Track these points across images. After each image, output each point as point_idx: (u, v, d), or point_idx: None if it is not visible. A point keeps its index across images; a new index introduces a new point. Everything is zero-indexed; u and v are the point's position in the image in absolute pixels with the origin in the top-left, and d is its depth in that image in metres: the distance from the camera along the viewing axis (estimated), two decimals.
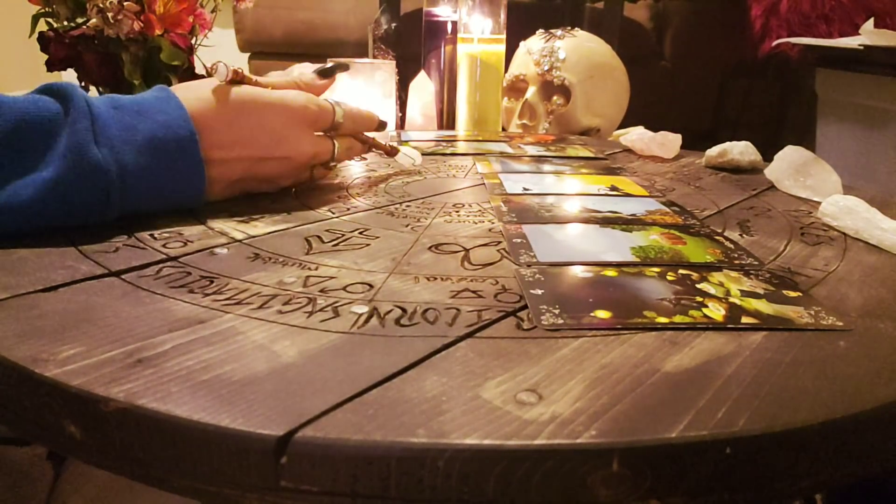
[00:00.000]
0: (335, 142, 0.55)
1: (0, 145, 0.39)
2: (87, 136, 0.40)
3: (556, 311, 0.33)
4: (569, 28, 1.01)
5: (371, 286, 0.36)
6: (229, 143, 0.47)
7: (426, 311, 0.33)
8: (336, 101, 0.55)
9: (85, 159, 0.40)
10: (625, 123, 1.06)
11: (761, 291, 0.37)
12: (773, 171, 0.65)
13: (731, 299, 0.35)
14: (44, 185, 0.39)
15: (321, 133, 0.54)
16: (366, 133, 0.60)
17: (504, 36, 0.91)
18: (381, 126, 0.60)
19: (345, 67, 0.57)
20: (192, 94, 0.47)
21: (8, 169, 0.39)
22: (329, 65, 0.57)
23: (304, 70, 0.58)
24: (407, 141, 0.81)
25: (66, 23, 0.92)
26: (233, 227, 0.45)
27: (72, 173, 0.40)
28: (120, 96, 0.45)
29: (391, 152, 0.64)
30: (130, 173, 0.42)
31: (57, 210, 0.41)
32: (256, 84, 0.50)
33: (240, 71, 0.49)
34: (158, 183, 0.44)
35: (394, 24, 1.10)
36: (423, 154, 0.74)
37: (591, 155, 0.76)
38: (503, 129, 1.00)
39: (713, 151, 0.73)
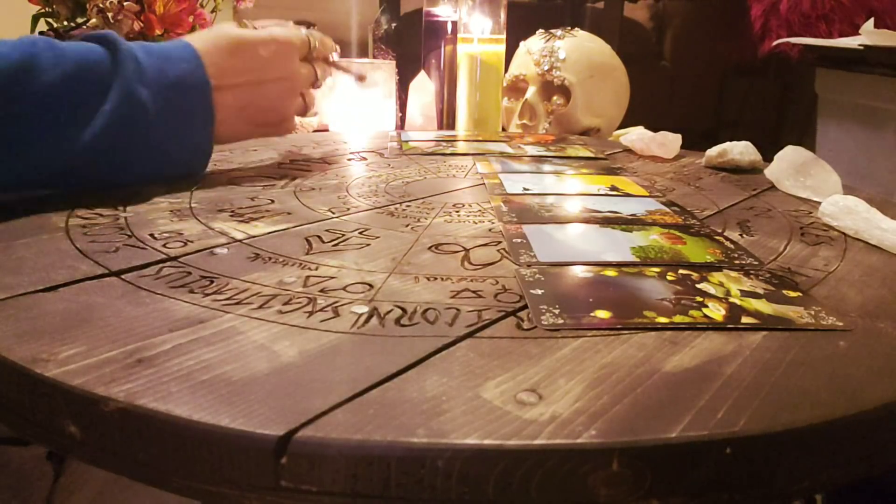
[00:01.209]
0: (314, 66, 0.64)
1: (64, 84, 0.46)
2: (135, 76, 0.48)
3: (556, 311, 0.33)
4: (569, 28, 1.01)
5: (371, 286, 0.36)
6: (232, 70, 0.56)
7: (426, 311, 0.33)
8: (309, 31, 0.64)
9: (134, 96, 0.48)
10: (625, 123, 1.06)
11: (761, 291, 0.37)
12: (773, 171, 0.65)
13: (731, 299, 0.35)
14: (102, 120, 0.47)
15: (303, 61, 0.63)
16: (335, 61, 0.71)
17: (504, 36, 0.91)
18: (336, 50, 0.70)
19: (310, 25, 0.70)
20: (202, 40, 0.56)
21: (73, 105, 0.46)
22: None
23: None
24: (406, 141, 0.81)
25: (66, 23, 0.92)
26: (233, 227, 0.45)
27: (122, 109, 0.47)
28: (149, 44, 0.53)
29: (360, 77, 0.79)
30: (160, 110, 0.50)
31: (108, 147, 0.48)
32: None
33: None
34: (177, 120, 0.52)
35: (394, 24, 1.10)
36: (423, 154, 0.74)
37: (591, 155, 0.76)
38: (503, 129, 1.00)
39: (713, 151, 0.73)
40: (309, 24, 0.69)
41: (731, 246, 0.45)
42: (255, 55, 0.57)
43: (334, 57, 0.69)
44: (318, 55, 0.65)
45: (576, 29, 1.02)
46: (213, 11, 0.99)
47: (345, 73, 0.75)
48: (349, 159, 0.70)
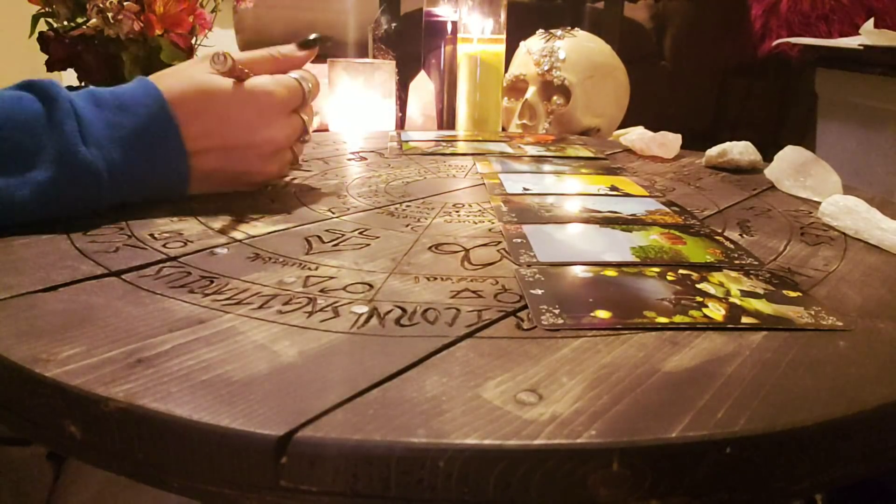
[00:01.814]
0: (303, 116, 0.55)
1: None
2: (75, 137, 0.42)
3: (556, 311, 0.33)
4: (569, 28, 1.01)
5: (371, 286, 0.36)
6: (200, 134, 0.48)
7: (426, 311, 0.33)
8: (300, 77, 0.54)
9: (77, 161, 0.42)
10: (625, 123, 1.06)
11: (761, 291, 0.37)
12: (773, 171, 0.65)
13: (731, 299, 0.35)
14: (38, 187, 0.41)
15: (293, 111, 0.54)
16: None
17: (504, 36, 0.91)
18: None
19: (326, 39, 0.58)
20: (168, 83, 0.47)
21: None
22: (312, 37, 0.56)
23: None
24: (406, 142, 0.81)
25: (66, 23, 0.92)
26: (233, 227, 0.45)
27: (64, 175, 0.41)
28: (99, 90, 0.45)
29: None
30: (118, 169, 0.44)
31: (51, 208, 0.43)
32: (240, 68, 0.50)
33: (233, 61, 0.49)
34: (145, 175, 0.46)
35: (394, 24, 1.10)
36: (423, 154, 0.74)
37: (591, 155, 0.76)
38: (503, 129, 1.00)
39: (713, 151, 0.73)
40: (324, 39, 0.57)
41: (731, 246, 0.45)
42: (226, 115, 0.49)
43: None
44: (311, 99, 0.56)
45: (576, 29, 1.02)
46: (213, 11, 0.99)
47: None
48: (349, 159, 0.70)
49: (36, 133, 0.41)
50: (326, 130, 0.89)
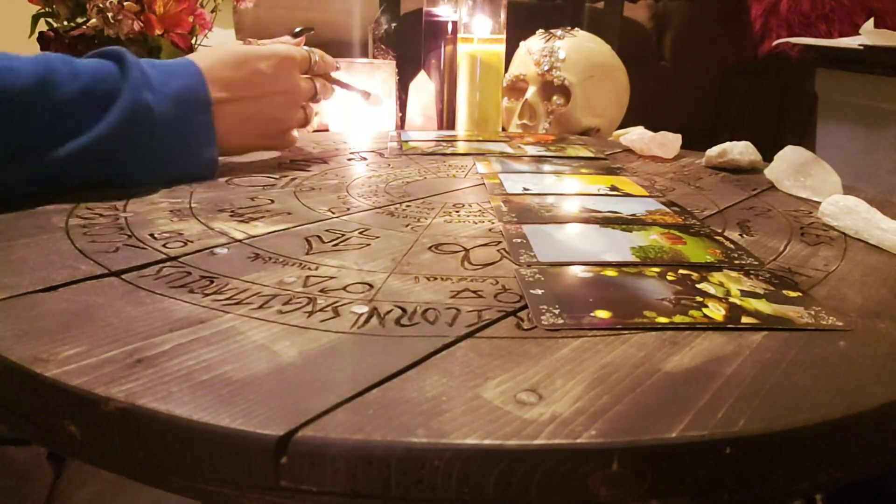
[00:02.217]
0: (315, 82, 0.67)
1: (80, 97, 0.49)
2: (140, 82, 0.51)
3: (556, 311, 0.33)
4: (569, 28, 1.01)
5: (371, 286, 0.36)
6: (235, 84, 0.58)
7: (426, 311, 0.33)
8: (310, 49, 0.67)
9: (140, 98, 0.51)
10: (625, 123, 1.06)
11: (761, 291, 0.37)
12: (773, 171, 0.65)
13: (731, 299, 0.35)
14: (108, 126, 0.49)
15: (303, 75, 0.66)
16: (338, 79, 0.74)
17: (504, 36, 0.91)
18: (338, 68, 0.73)
19: (309, 29, 0.72)
20: (204, 57, 0.58)
21: (86, 115, 0.49)
22: (298, 29, 0.71)
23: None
24: (406, 141, 0.81)
25: (66, 23, 0.92)
26: (233, 227, 0.45)
27: (128, 110, 0.50)
28: (154, 60, 0.56)
29: (365, 94, 0.79)
30: (165, 119, 0.53)
31: (112, 146, 0.50)
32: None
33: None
34: (182, 132, 0.55)
35: (394, 24, 1.10)
36: (423, 154, 0.74)
37: (591, 155, 0.76)
38: (503, 129, 1.00)
39: (713, 151, 0.73)
40: (308, 30, 0.71)
41: (731, 246, 0.45)
42: (257, 69, 0.60)
43: (338, 76, 0.73)
44: (319, 70, 0.67)
45: (576, 29, 1.02)
46: (213, 11, 0.99)
47: (346, 90, 0.76)
48: (349, 159, 0.70)
49: (113, 85, 0.50)
50: (326, 130, 0.89)
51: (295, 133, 0.68)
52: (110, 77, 0.51)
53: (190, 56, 0.58)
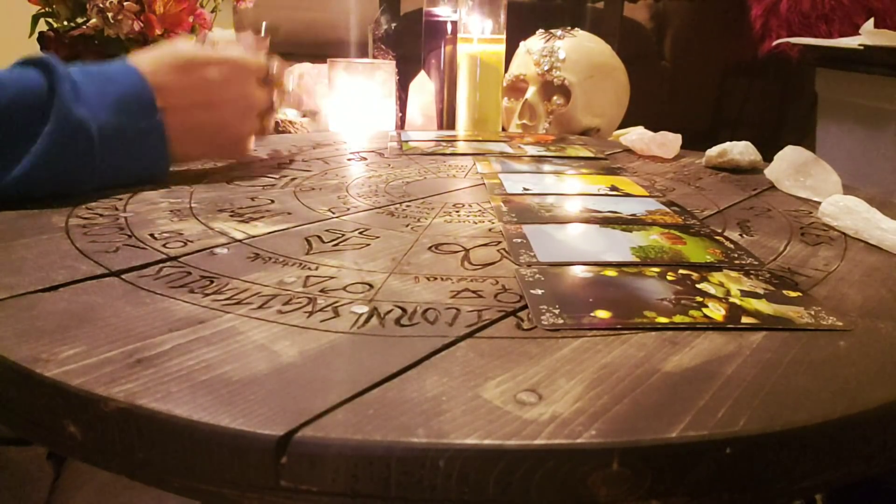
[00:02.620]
0: (272, 93, 0.64)
1: (3, 114, 0.45)
2: (70, 96, 0.47)
3: (556, 311, 0.33)
4: (569, 28, 1.01)
5: (371, 286, 0.36)
6: (182, 90, 0.54)
7: (426, 311, 0.33)
8: (269, 56, 0.64)
9: (71, 116, 0.46)
10: (625, 123, 1.06)
11: (761, 291, 0.37)
12: (773, 171, 0.65)
13: (731, 299, 0.35)
14: (41, 146, 0.45)
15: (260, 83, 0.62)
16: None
17: (504, 36, 0.91)
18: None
19: (274, 28, 0.74)
20: (146, 59, 0.54)
21: (12, 133, 0.45)
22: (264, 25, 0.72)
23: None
24: (406, 141, 0.81)
25: (66, 23, 0.92)
26: (233, 227, 0.45)
27: (61, 131, 0.46)
28: (89, 66, 0.51)
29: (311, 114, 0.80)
30: (105, 131, 0.49)
31: (49, 171, 0.47)
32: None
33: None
34: (128, 141, 0.51)
35: (394, 24, 1.10)
36: (423, 154, 0.74)
37: (591, 155, 0.76)
38: (503, 129, 1.00)
39: (713, 151, 0.73)
40: (273, 29, 0.72)
41: (731, 246, 0.45)
42: (205, 76, 0.56)
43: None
44: (276, 80, 0.65)
45: (576, 29, 1.02)
46: (213, 11, 0.99)
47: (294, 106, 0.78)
48: (349, 159, 0.70)
49: (39, 100, 0.46)
50: (326, 130, 0.89)
51: (251, 142, 0.64)
52: (36, 91, 0.46)
53: (130, 57, 0.53)
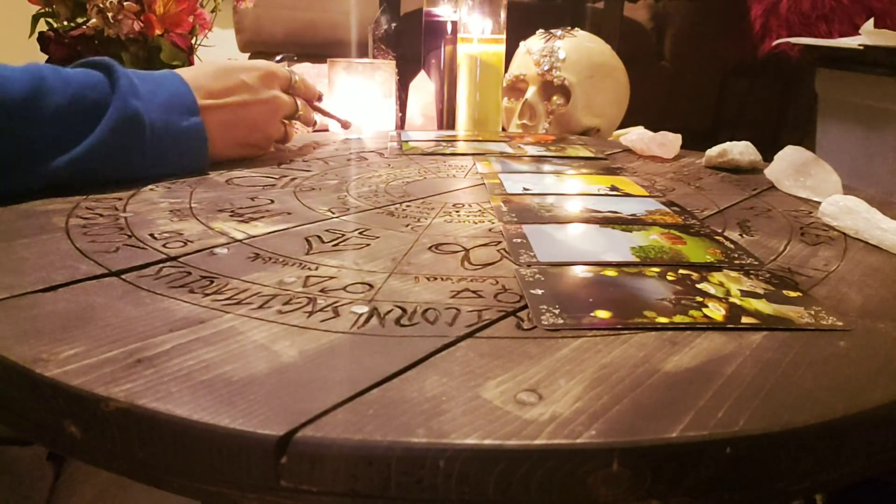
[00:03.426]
0: (297, 100, 0.70)
1: (71, 106, 0.50)
2: (129, 90, 0.52)
3: (556, 311, 0.33)
4: (569, 28, 1.01)
5: (371, 286, 0.36)
6: (218, 92, 0.61)
7: (426, 311, 0.33)
8: (290, 70, 0.70)
9: (129, 107, 0.52)
10: (625, 123, 1.06)
11: (761, 291, 0.37)
12: (773, 171, 0.65)
13: (731, 299, 0.35)
14: (100, 134, 0.50)
15: (285, 92, 0.69)
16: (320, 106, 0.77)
17: (504, 36, 0.91)
18: (320, 97, 0.76)
19: (291, 56, 0.81)
20: (188, 70, 0.62)
21: (78, 123, 0.50)
22: (279, 57, 0.79)
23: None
24: (406, 141, 0.81)
25: (66, 23, 0.92)
26: (233, 227, 0.45)
27: (118, 119, 0.51)
28: (140, 71, 0.57)
29: (345, 125, 0.82)
30: (155, 125, 0.54)
31: (104, 155, 0.51)
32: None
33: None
34: (173, 137, 0.56)
35: (394, 24, 1.10)
36: (423, 154, 0.74)
37: (591, 155, 0.76)
38: (503, 129, 1.00)
39: (713, 151, 0.73)
40: (290, 57, 0.79)
41: (731, 246, 0.45)
42: (239, 79, 0.63)
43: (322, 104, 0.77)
44: (299, 92, 0.70)
45: (576, 29, 1.02)
46: (213, 11, 0.99)
47: (329, 118, 0.80)
48: (349, 159, 0.70)
49: (102, 94, 0.52)
50: (326, 130, 0.89)
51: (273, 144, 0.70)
52: (99, 86, 0.52)
53: (178, 71, 0.60)
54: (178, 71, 0.60)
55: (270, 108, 0.65)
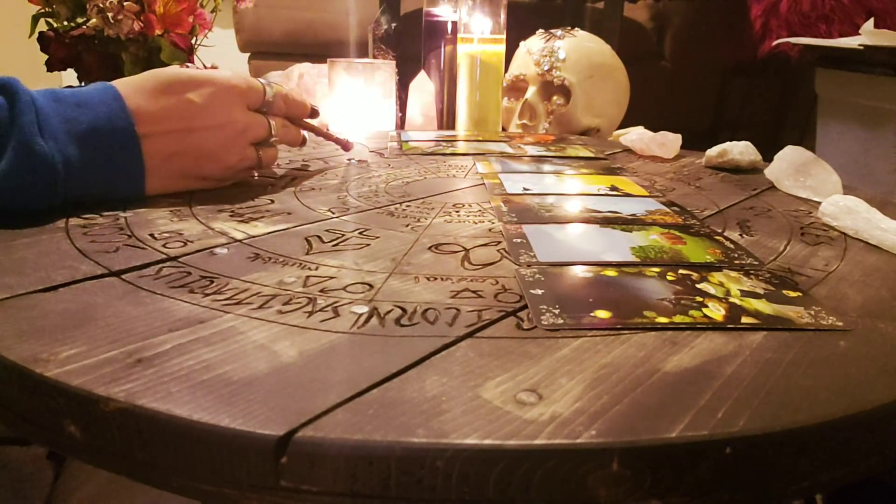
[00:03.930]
0: (270, 120, 0.56)
1: None
2: (32, 129, 0.43)
3: (556, 311, 0.33)
4: (569, 28, 1.01)
5: (371, 286, 0.36)
6: (157, 114, 0.49)
7: (426, 311, 0.33)
8: (268, 82, 0.57)
9: (32, 152, 0.42)
10: (625, 123, 1.06)
11: (761, 291, 0.37)
12: (773, 171, 0.65)
13: (731, 299, 0.35)
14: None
15: (255, 111, 0.56)
16: (317, 126, 0.65)
17: (504, 36, 0.91)
18: (314, 113, 0.63)
19: (315, 114, 0.64)
20: (126, 82, 0.49)
21: None
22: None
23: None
24: (406, 141, 0.81)
25: (66, 23, 0.92)
26: (233, 227, 0.45)
27: (21, 166, 0.42)
28: (61, 89, 0.47)
29: (346, 146, 0.70)
30: (74, 164, 0.45)
31: (8, 197, 0.43)
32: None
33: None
34: (100, 172, 0.47)
35: (394, 24, 1.10)
36: (423, 154, 0.74)
37: (591, 155, 0.76)
38: (503, 129, 1.00)
39: (713, 151, 0.73)
40: (314, 113, 0.63)
41: (731, 246, 0.45)
42: (184, 98, 0.50)
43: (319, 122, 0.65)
44: (278, 111, 0.58)
45: (576, 29, 1.02)
46: (213, 11, 0.99)
47: (325, 139, 0.69)
48: (349, 159, 0.70)
49: (2, 127, 0.42)
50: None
51: (244, 173, 0.57)
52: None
53: (116, 83, 0.49)
54: (117, 83, 0.49)
55: (227, 134, 0.52)
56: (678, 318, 0.33)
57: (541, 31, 1.02)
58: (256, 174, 0.60)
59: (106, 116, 0.46)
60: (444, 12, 0.99)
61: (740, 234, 0.48)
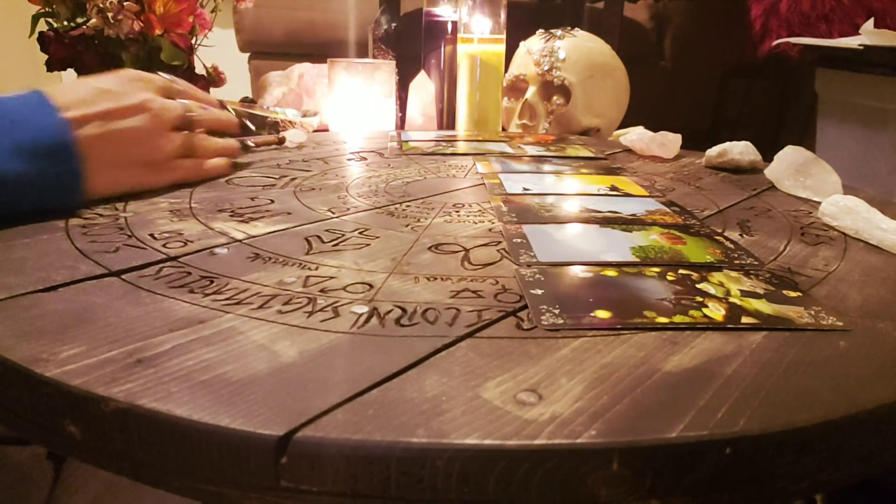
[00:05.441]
0: (181, 100, 0.58)
1: None
2: None
3: (556, 311, 0.33)
4: (569, 28, 1.01)
5: (371, 286, 0.36)
6: (82, 99, 0.49)
7: (426, 311, 0.33)
8: (172, 77, 0.60)
9: None
10: (625, 123, 1.06)
11: (761, 291, 0.37)
12: (773, 171, 0.65)
13: (731, 299, 0.35)
14: None
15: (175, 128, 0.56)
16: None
17: (504, 36, 0.91)
18: (222, 105, 0.65)
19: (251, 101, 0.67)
20: (58, 88, 0.49)
21: None
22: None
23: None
24: (406, 141, 0.81)
25: (66, 23, 0.92)
26: (233, 227, 0.45)
27: None
28: None
29: (280, 140, 0.74)
30: (8, 178, 0.43)
31: None
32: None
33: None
34: (34, 185, 0.44)
35: (394, 24, 1.10)
36: (423, 154, 0.74)
37: (591, 155, 0.76)
38: (503, 129, 1.00)
39: (713, 151, 0.73)
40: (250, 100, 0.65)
41: (731, 246, 0.45)
42: (91, 87, 0.50)
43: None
44: (186, 96, 0.60)
45: (576, 29, 1.02)
46: (213, 11, 0.99)
47: (261, 144, 0.72)
48: (349, 159, 0.70)
49: None
50: (326, 130, 0.89)
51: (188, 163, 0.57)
52: None
53: (49, 91, 0.48)
54: (54, 92, 0.48)
55: (149, 116, 0.52)
56: (678, 318, 0.33)
57: (541, 31, 1.02)
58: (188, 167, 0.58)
59: (40, 129, 0.45)
60: (444, 12, 0.99)
61: (740, 234, 0.48)
